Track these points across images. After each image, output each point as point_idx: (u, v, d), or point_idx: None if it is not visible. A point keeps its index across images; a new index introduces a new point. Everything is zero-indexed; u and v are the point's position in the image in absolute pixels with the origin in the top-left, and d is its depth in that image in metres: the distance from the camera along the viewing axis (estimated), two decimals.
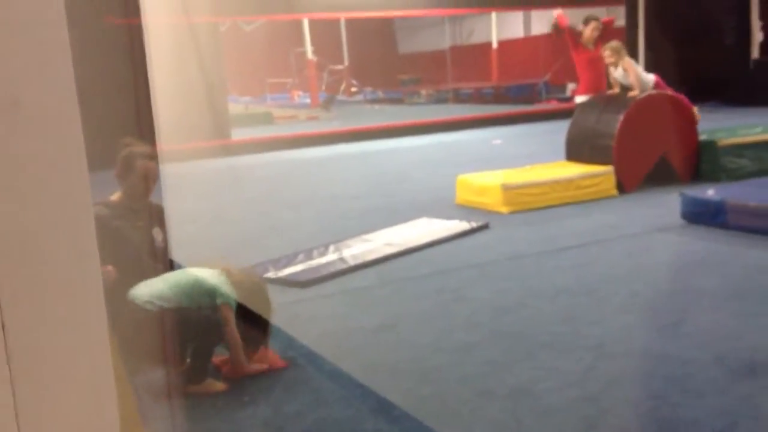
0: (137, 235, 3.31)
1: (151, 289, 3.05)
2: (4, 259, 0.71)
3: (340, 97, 24.14)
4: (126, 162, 3.33)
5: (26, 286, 0.73)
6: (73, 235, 0.75)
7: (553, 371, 2.91)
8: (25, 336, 0.73)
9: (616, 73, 7.00)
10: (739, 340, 3.14)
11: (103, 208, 3.21)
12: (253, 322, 3.18)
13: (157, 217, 3.47)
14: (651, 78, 7.04)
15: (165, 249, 3.45)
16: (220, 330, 3.08)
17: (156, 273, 3.18)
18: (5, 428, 0.73)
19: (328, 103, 19.90)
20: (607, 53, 6.98)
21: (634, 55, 14.12)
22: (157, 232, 3.41)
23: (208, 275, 3.14)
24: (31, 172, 0.72)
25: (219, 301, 3.05)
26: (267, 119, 16.49)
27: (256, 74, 23.46)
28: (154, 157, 3.41)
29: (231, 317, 3.06)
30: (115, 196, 3.37)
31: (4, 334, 0.72)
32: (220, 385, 2.97)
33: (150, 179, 3.37)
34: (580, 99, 7.43)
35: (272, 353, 3.22)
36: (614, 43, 7.04)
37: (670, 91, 6.99)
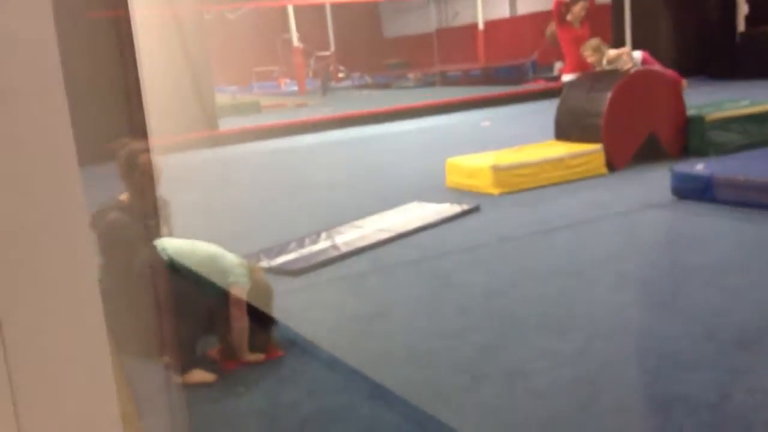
0: (150, 235, 3.30)
1: (176, 242, 3.10)
2: None
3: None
4: (128, 161, 3.30)
5: (20, 281, 0.73)
6: (66, 230, 0.75)
7: (546, 353, 2.92)
8: (22, 332, 0.73)
9: (606, 68, 6.99)
10: (730, 314, 3.16)
11: (118, 213, 3.21)
12: (260, 323, 3.17)
13: (165, 212, 3.46)
14: (638, 56, 7.04)
15: None
16: (213, 321, 3.08)
17: None
18: (4, 424, 0.73)
19: (325, 88, 19.79)
20: (587, 53, 6.96)
21: (620, 31, 14.12)
22: (165, 230, 3.41)
23: (231, 256, 3.14)
24: (19, 168, 0.72)
25: (231, 279, 3.03)
26: (254, 108, 16.41)
27: (242, 63, 23.33)
28: (147, 149, 3.39)
29: (242, 299, 3.05)
30: (124, 196, 3.35)
31: (1, 334, 0.72)
32: (208, 376, 2.96)
33: (154, 175, 3.34)
34: (567, 78, 7.43)
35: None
36: (593, 42, 7.01)
37: (658, 66, 6.99)
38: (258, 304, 3.18)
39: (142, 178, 3.27)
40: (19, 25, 0.70)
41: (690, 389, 2.51)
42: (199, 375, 2.95)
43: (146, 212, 3.31)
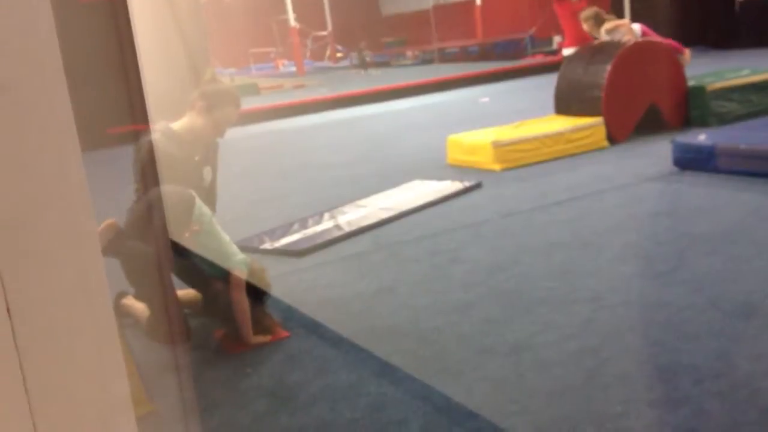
0: (189, 170, 3.26)
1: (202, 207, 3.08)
2: (3, 244, 0.72)
3: (325, 63, 23.92)
4: (216, 99, 3.24)
5: (28, 268, 0.73)
6: (71, 216, 0.75)
7: (551, 325, 2.94)
8: (30, 317, 0.74)
9: (603, 37, 6.93)
10: (734, 283, 3.17)
11: (160, 136, 3.17)
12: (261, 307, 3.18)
13: (213, 155, 3.41)
14: (637, 28, 6.99)
15: (212, 189, 3.42)
16: (215, 302, 3.11)
17: None
18: (16, 407, 0.74)
19: (362, 64, 19.40)
20: (585, 23, 6.90)
21: (619, 1, 14.00)
22: (207, 172, 3.37)
23: (228, 240, 3.14)
24: (23, 157, 0.72)
25: (232, 264, 3.04)
26: (253, 90, 16.34)
27: (239, 45, 23.21)
28: (239, 105, 3.36)
29: (242, 284, 3.05)
30: (179, 125, 3.29)
31: (9, 317, 0.73)
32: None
33: (228, 126, 3.30)
34: (567, 51, 7.39)
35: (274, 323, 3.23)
36: (590, 12, 6.94)
37: (657, 38, 6.95)
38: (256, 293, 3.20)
39: (217, 121, 3.20)
40: (17, 15, 0.70)
41: (695, 358, 2.53)
42: None
43: (193, 146, 3.25)
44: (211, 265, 3.09)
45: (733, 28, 14.39)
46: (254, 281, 3.16)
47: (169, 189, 3.03)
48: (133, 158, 3.18)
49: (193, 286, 3.36)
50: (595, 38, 6.98)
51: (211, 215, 3.12)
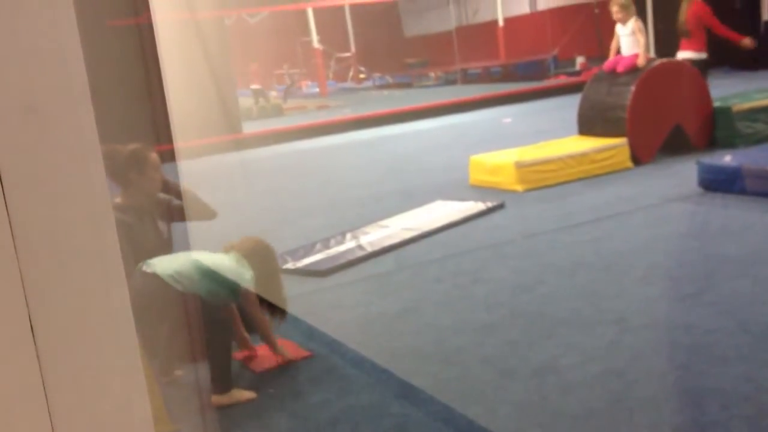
0: (148, 235, 3.28)
1: (173, 264, 2.95)
2: (28, 265, 0.72)
3: (348, 84, 24.05)
4: (135, 162, 3.26)
5: (52, 289, 0.74)
6: (95, 238, 0.75)
7: (575, 347, 2.90)
8: (53, 338, 0.74)
9: (623, 31, 6.83)
10: (762, 305, 3.12)
11: (118, 214, 3.19)
12: (270, 290, 3.16)
13: (164, 210, 3.41)
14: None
15: (169, 241, 3.41)
16: (230, 326, 3.09)
17: None
18: (39, 425, 0.74)
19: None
20: (615, 9, 6.81)
21: (642, 21, 13.93)
22: (162, 226, 3.38)
23: (221, 263, 3.08)
24: (47, 178, 0.73)
25: (244, 285, 3.03)
26: (277, 111, 16.48)
27: (263, 66, 23.43)
28: (144, 165, 3.34)
29: (255, 300, 3.05)
30: (119, 199, 3.29)
31: (33, 337, 0.73)
32: (247, 394, 2.85)
33: (159, 178, 3.32)
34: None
35: (295, 344, 3.23)
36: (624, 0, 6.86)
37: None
38: (266, 269, 3.18)
39: (148, 180, 3.21)
40: (45, 37, 0.71)
41: (723, 382, 2.48)
42: (239, 394, 2.85)
43: (141, 213, 3.25)
44: (220, 296, 3.04)
45: (759, 48, 14.25)
46: (261, 260, 3.13)
47: (138, 285, 2.95)
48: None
49: (218, 322, 3.28)
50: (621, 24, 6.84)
51: (193, 269, 3.05)
